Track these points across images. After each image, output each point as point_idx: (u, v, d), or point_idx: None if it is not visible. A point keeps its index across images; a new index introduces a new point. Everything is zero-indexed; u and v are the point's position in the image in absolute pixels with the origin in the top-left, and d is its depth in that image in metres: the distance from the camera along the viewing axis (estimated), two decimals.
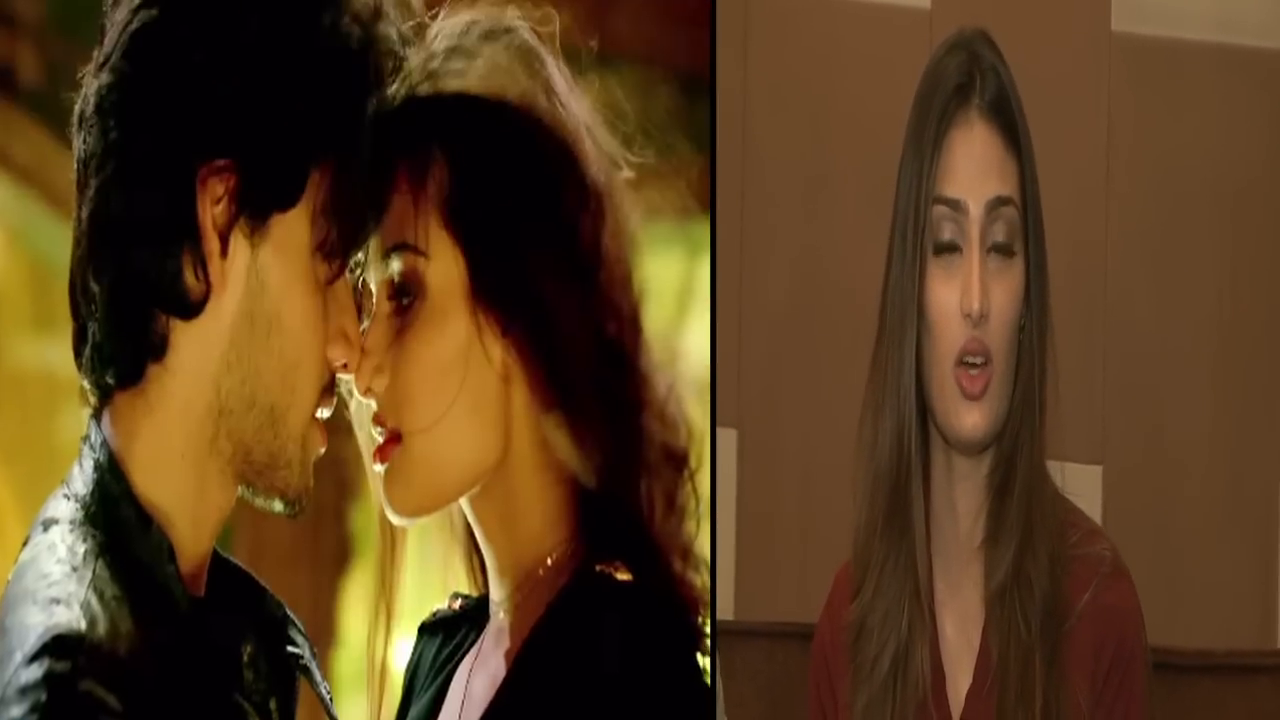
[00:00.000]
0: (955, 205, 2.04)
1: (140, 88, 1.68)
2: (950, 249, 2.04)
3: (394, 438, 1.78)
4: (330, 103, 1.70)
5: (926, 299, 2.04)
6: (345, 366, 1.75)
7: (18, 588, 1.63)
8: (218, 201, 1.68)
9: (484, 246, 1.77)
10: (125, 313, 1.69)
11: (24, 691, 1.55)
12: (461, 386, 1.77)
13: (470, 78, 1.78)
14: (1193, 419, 3.64)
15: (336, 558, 2.95)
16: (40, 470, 2.46)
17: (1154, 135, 3.63)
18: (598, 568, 1.75)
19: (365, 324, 1.79)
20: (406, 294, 1.78)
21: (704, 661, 1.77)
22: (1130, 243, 3.60)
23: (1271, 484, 3.68)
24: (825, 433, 3.49)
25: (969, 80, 2.07)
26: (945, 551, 2.07)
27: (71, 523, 1.67)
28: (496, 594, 1.83)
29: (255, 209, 1.69)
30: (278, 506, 1.75)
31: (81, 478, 1.70)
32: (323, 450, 1.76)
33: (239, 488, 1.74)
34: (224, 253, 1.69)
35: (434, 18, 1.81)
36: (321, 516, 2.84)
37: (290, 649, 1.78)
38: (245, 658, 1.74)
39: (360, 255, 1.77)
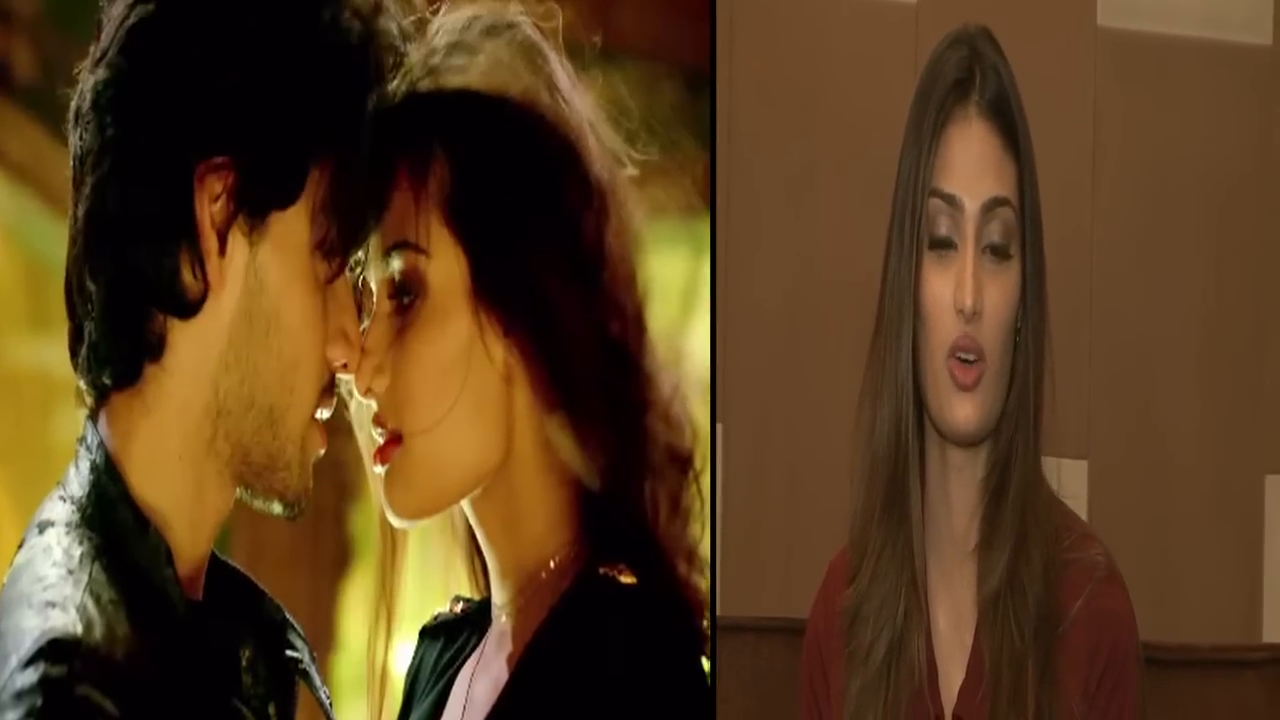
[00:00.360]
0: (951, 201, 2.04)
1: (137, 83, 1.66)
2: (945, 244, 2.04)
3: (394, 439, 1.77)
4: (330, 99, 1.69)
5: (921, 291, 2.04)
6: (345, 366, 1.74)
7: (13, 591, 1.62)
8: (216, 199, 1.67)
9: (486, 245, 1.75)
10: (122, 312, 1.67)
11: (19, 697, 1.53)
12: (463, 387, 1.75)
13: (472, 74, 1.77)
14: (1178, 414, 3.64)
15: (336, 560, 2.94)
16: (36, 472, 2.45)
17: (1140, 130, 3.63)
18: (601, 571, 1.74)
19: (365, 323, 1.77)
20: (407, 293, 1.76)
21: (705, 664, 1.76)
22: (1116, 237, 3.61)
23: (1257, 479, 3.68)
24: (811, 428, 3.49)
25: (969, 77, 2.07)
26: (939, 546, 2.08)
27: (67, 525, 1.66)
28: (499, 597, 1.82)
29: (254, 206, 1.68)
30: (276, 508, 1.73)
31: (78, 479, 1.69)
32: (322, 451, 1.74)
33: (237, 489, 1.72)
34: (222, 251, 1.68)
35: (435, 13, 1.80)
36: (321, 519, 2.83)
37: (289, 653, 1.77)
38: (244, 662, 1.73)
39: (360, 254, 1.76)
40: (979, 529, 2.07)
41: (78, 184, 1.68)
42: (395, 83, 1.74)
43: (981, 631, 2.04)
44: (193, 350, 1.68)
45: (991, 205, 2.05)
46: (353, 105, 1.70)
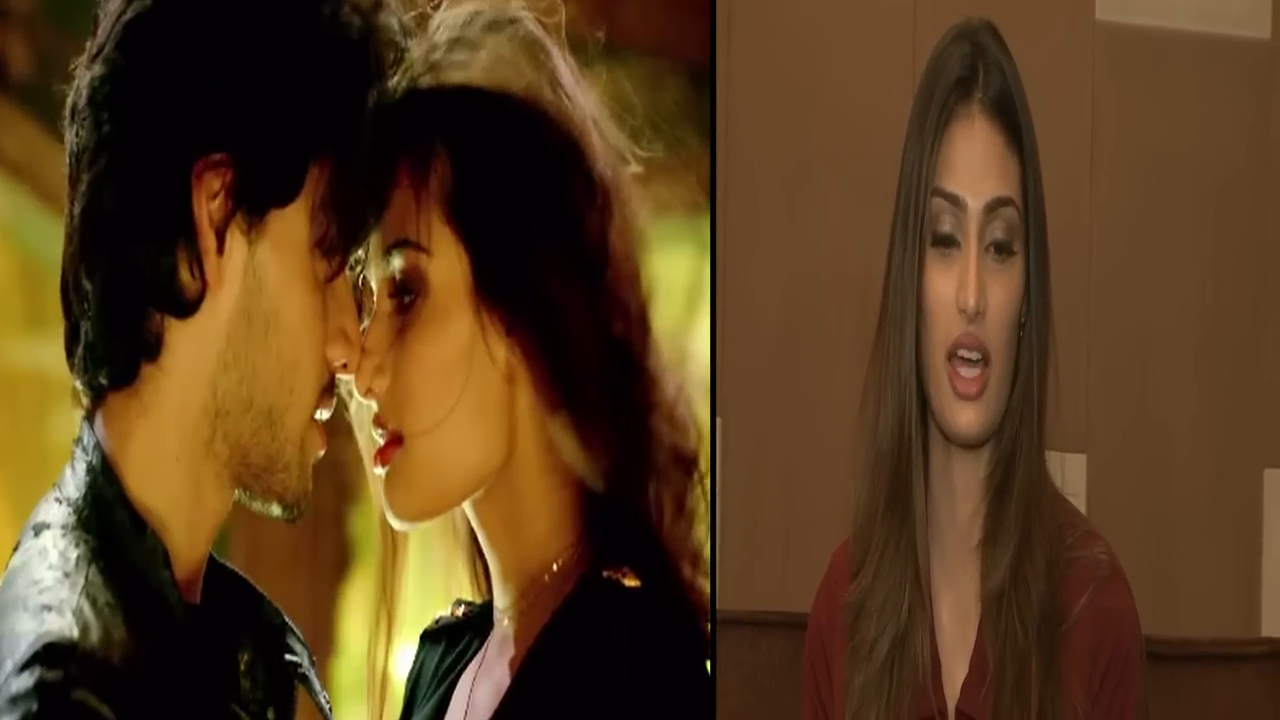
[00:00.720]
0: (954, 200, 2.03)
1: (134, 80, 1.65)
2: (948, 242, 2.03)
3: (395, 440, 1.76)
4: (330, 95, 1.68)
5: (924, 289, 2.03)
6: (345, 366, 1.73)
7: (8, 594, 1.60)
8: (214, 197, 1.66)
9: (487, 243, 1.74)
10: (119, 311, 1.66)
11: (15, 701, 1.52)
12: (465, 387, 1.74)
13: (474, 70, 1.76)
14: (1176, 408, 3.65)
15: (336, 563, 2.93)
16: (31, 473, 2.45)
17: (1138, 123, 3.64)
18: (605, 573, 1.73)
19: (366, 323, 1.76)
20: (408, 292, 1.75)
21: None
22: (1114, 231, 3.61)
23: (1255, 473, 3.69)
24: (808, 423, 3.50)
25: (972, 74, 2.05)
26: (942, 542, 2.07)
27: (63, 527, 1.65)
28: (501, 600, 1.80)
29: (252, 204, 1.66)
30: (275, 510, 1.72)
31: (74, 481, 1.67)
32: (322, 453, 1.73)
33: (236, 491, 1.71)
34: (220, 249, 1.67)
35: (436, 8, 1.79)
36: (321, 521, 2.83)
37: (288, 657, 1.76)
38: (242, 666, 1.72)
39: (360, 252, 1.75)
40: (982, 525, 2.06)
41: (74, 181, 1.67)
42: (396, 79, 1.73)
43: (985, 628, 2.04)
44: (191, 350, 1.67)
45: (994, 205, 2.03)
46: (353, 102, 1.69)
